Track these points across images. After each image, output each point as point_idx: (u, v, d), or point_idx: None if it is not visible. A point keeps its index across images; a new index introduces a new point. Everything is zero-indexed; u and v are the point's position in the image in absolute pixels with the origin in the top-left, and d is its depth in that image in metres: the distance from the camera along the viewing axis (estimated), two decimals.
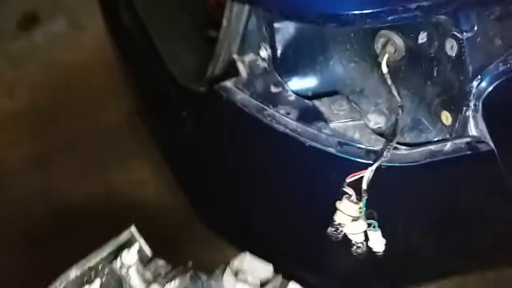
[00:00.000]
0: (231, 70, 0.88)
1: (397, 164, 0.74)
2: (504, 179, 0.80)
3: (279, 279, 0.53)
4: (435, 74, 0.74)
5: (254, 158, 0.88)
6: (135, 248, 0.50)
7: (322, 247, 0.84)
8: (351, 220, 0.76)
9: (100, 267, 0.49)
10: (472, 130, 0.74)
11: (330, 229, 0.78)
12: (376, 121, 0.82)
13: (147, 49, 1.11)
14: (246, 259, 0.53)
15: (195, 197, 1.13)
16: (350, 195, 0.75)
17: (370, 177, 0.74)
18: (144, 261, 0.53)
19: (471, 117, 0.73)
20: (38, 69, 1.81)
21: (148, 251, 0.54)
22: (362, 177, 0.74)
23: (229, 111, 0.84)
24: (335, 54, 0.85)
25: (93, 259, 0.49)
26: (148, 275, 0.52)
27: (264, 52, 0.86)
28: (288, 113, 0.80)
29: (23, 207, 1.40)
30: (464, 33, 0.67)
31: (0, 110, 1.67)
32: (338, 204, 0.75)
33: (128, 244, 0.52)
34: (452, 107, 0.74)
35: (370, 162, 0.74)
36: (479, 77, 0.69)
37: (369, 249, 0.79)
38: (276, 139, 0.80)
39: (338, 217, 0.76)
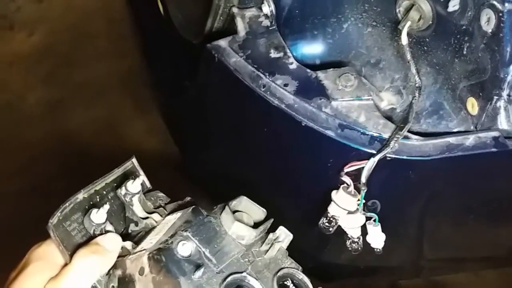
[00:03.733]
0: (230, 26, 0.77)
1: (405, 157, 0.63)
2: None
3: (271, 221, 0.53)
4: (465, 52, 0.60)
5: (245, 130, 0.78)
6: (139, 179, 0.54)
7: (313, 238, 0.75)
8: (346, 213, 0.67)
9: (105, 192, 0.53)
10: (503, 123, 0.61)
11: (322, 221, 0.69)
12: (390, 100, 0.70)
13: None
14: (243, 201, 0.54)
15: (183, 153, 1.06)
16: (348, 186, 0.65)
17: (372, 168, 0.63)
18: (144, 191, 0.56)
19: (502, 108, 0.60)
20: (59, 8, 1.74)
21: (148, 183, 0.57)
22: (363, 167, 0.64)
23: (222, 74, 0.74)
24: (350, 15, 0.72)
25: (99, 185, 0.53)
26: (149, 204, 0.55)
27: (267, 8, 0.74)
28: (286, 85, 0.69)
29: (35, 152, 1.39)
30: (506, 4, 0.52)
31: (20, 48, 1.63)
32: (334, 194, 0.66)
33: (131, 174, 0.55)
34: (481, 94, 0.61)
35: (374, 152, 0.63)
36: None
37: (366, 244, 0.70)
38: (270, 114, 0.69)
39: (332, 209, 0.67)
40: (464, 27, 0.59)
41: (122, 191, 0.53)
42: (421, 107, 0.67)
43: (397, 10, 0.66)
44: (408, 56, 0.63)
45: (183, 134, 1.04)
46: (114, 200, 0.54)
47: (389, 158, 0.63)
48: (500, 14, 0.53)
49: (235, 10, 0.77)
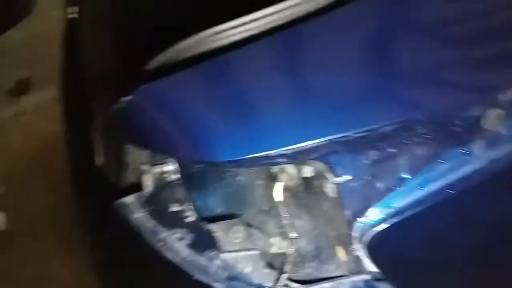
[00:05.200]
0: (134, 186, 0.84)
1: None
2: None
3: None
4: (324, 209, 0.68)
5: None
6: None
7: None
8: None
9: None
10: (368, 267, 0.67)
11: None
12: (280, 245, 0.76)
13: None
14: None
15: None
16: None
17: None
18: None
19: (362, 255, 0.66)
20: (21, 137, 1.85)
21: None
22: None
23: (127, 230, 0.80)
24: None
25: None
26: None
27: (173, 163, 0.82)
28: (181, 238, 0.75)
29: None
30: (339, 178, 0.61)
31: None
32: None
33: None
34: (343, 244, 0.67)
35: None
36: (360, 220, 0.63)
37: None
38: (166, 270, 0.75)
39: None
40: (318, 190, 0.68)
41: None
42: (307, 251, 0.73)
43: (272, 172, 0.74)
44: (280, 212, 0.71)
45: None
46: None
47: None
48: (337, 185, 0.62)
49: (142, 167, 0.85)
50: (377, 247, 0.63)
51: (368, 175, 0.61)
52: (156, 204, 0.80)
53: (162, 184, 0.82)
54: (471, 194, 0.68)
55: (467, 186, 0.66)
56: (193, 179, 0.81)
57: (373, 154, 0.61)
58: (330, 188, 0.63)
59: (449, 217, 0.70)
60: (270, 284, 0.69)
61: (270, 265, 0.72)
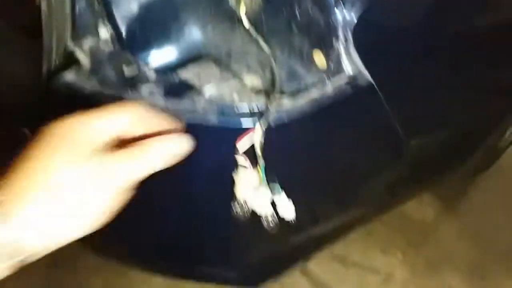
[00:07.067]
0: (70, 62, 0.73)
1: (286, 121, 0.67)
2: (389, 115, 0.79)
3: None
4: (298, 16, 0.69)
5: None
6: None
7: (233, 234, 0.74)
8: (252, 191, 0.68)
9: None
10: (347, 66, 0.71)
11: (235, 209, 0.68)
12: (253, 82, 0.74)
13: None
14: None
15: None
16: (245, 162, 0.66)
17: (261, 139, 0.65)
18: None
19: (343, 51, 0.69)
20: None
21: None
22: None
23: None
24: (188, 19, 0.75)
25: None
26: None
27: (106, 32, 0.73)
28: (152, 93, 0.68)
29: None
30: None
31: None
32: (235, 176, 0.66)
33: None
34: (322, 43, 0.69)
35: (257, 123, 0.66)
36: (343, 7, 0.65)
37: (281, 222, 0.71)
38: None
39: (238, 192, 0.67)
40: None
41: None
42: (280, 78, 0.73)
43: (230, 3, 0.71)
44: (254, 34, 0.69)
45: None
46: None
47: (272, 126, 0.66)
48: None
49: (70, 44, 0.73)
50: (363, 33, 0.66)
51: None
52: (105, 73, 0.70)
53: (101, 55, 0.73)
54: None
55: None
56: (134, 41, 0.73)
57: None
58: None
59: None
60: (262, 105, 0.67)
61: (255, 90, 0.70)
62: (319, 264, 1.60)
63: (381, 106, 0.77)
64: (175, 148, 0.48)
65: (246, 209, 0.67)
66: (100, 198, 0.42)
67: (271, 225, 0.70)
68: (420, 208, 1.75)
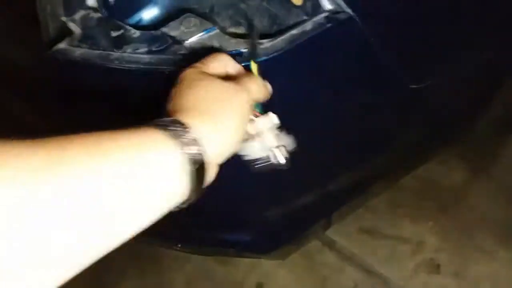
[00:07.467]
0: (65, 34, 0.78)
1: (264, 58, 0.69)
2: (375, 49, 0.79)
3: None
4: None
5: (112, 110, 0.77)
6: None
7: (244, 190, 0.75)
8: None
9: None
10: (325, 4, 0.71)
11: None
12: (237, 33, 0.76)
13: None
14: None
15: None
16: None
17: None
18: None
19: None
20: None
21: None
22: None
23: (72, 72, 0.73)
24: None
25: None
26: None
27: (93, 1, 0.77)
28: (136, 49, 0.71)
29: None
30: None
31: None
32: None
33: None
34: None
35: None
36: None
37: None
38: (134, 80, 0.70)
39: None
40: None
41: None
42: (262, 25, 0.74)
43: None
44: None
45: None
46: None
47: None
48: None
49: (63, 18, 0.78)
50: None
51: None
52: (94, 38, 0.74)
53: (90, 23, 0.77)
54: None
55: None
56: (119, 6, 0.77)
57: None
58: None
59: None
60: (244, 49, 0.69)
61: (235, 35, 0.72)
62: (347, 238, 1.58)
63: (369, 45, 0.77)
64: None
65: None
66: (240, 113, 0.51)
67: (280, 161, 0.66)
68: (448, 173, 1.69)
